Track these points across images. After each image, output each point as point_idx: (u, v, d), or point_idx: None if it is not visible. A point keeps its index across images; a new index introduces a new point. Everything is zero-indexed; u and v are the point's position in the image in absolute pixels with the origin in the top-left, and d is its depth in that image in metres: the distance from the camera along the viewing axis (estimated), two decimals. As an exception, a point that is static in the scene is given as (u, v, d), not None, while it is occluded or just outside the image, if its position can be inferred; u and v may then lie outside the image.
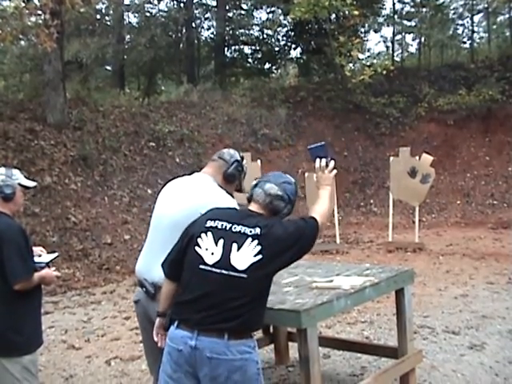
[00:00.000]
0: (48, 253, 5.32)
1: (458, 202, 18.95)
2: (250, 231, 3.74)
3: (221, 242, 3.76)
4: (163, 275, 4.12)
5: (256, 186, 3.99)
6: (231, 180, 4.73)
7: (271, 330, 7.07)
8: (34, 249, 5.16)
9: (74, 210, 14.46)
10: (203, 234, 3.83)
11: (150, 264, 4.56)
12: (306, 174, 14.86)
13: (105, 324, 9.38)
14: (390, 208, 14.58)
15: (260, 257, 3.66)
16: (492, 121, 21.13)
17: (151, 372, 4.91)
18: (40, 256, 5.12)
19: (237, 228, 3.78)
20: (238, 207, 4.39)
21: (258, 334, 7.67)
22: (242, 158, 4.84)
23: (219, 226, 3.82)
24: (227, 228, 3.80)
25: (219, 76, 26.88)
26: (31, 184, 5.04)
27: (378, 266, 6.36)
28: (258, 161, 14.83)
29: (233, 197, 4.68)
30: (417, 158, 14.16)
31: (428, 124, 21.96)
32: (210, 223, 3.86)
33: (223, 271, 3.69)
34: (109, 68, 26.88)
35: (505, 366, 6.64)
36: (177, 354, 3.76)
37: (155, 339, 4.16)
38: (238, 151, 4.92)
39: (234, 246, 3.72)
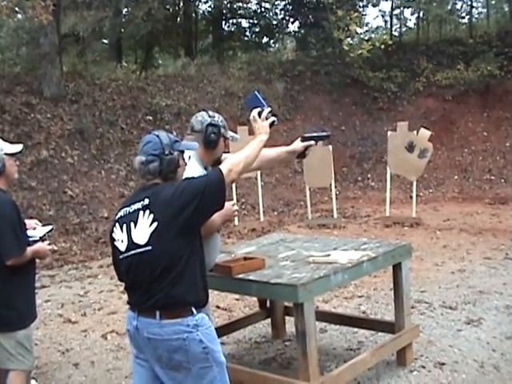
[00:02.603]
0: (43, 225, 5.29)
1: (456, 177, 18.91)
2: (141, 204, 3.76)
3: (124, 227, 3.82)
4: None
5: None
6: (213, 146, 4.69)
7: (268, 304, 7.07)
8: (29, 221, 5.14)
9: (70, 184, 14.44)
10: (114, 228, 3.92)
11: None
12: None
13: (101, 298, 9.38)
14: (387, 183, 14.54)
15: (156, 224, 3.66)
16: (490, 96, 21.05)
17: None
18: (35, 229, 5.10)
19: (132, 207, 3.82)
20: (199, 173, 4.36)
21: (255, 308, 7.69)
22: (213, 115, 4.77)
23: (122, 214, 3.88)
24: (127, 212, 3.85)
25: (217, 50, 26.81)
26: (17, 149, 4.97)
27: (375, 241, 6.36)
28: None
29: (218, 163, 4.66)
30: (415, 132, 14.09)
31: (426, 99, 21.86)
32: (118, 214, 3.93)
33: (132, 252, 3.75)
34: (106, 41, 26.70)
35: (501, 341, 6.64)
36: (128, 335, 3.97)
37: None
38: (206, 111, 4.84)
39: (132, 224, 3.76)
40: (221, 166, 3.89)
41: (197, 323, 3.71)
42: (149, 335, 3.70)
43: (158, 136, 3.90)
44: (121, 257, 3.83)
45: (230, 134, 4.81)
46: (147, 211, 3.70)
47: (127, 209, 3.84)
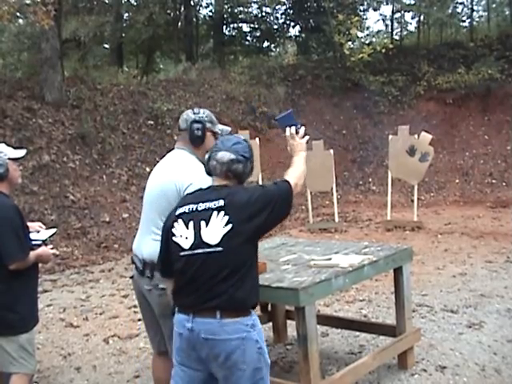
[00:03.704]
0: (47, 228, 5.30)
1: (457, 181, 18.90)
2: (214, 204, 3.74)
3: (191, 224, 3.79)
4: (150, 251, 4.37)
5: (209, 159, 3.93)
6: (199, 143, 4.66)
7: (269, 308, 7.07)
8: (33, 224, 5.15)
9: (72, 189, 14.45)
10: (175, 223, 3.87)
11: (140, 240, 4.67)
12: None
13: (103, 302, 9.38)
14: (388, 186, 14.55)
15: (230, 226, 3.66)
16: (491, 100, 21.03)
17: (152, 345, 4.94)
18: (38, 232, 5.11)
19: (202, 206, 3.79)
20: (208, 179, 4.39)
21: (256, 311, 7.69)
22: (198, 111, 4.75)
23: (187, 210, 3.84)
24: (194, 209, 3.82)
25: (218, 54, 26.82)
26: (20, 154, 4.96)
27: (376, 244, 6.35)
28: (257, 139, 14.80)
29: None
30: (416, 136, 14.11)
31: (427, 103, 21.86)
32: (179, 210, 3.90)
33: (199, 250, 3.71)
34: (107, 46, 26.76)
35: (503, 344, 6.64)
36: (179, 339, 3.84)
37: None
38: (192, 108, 4.85)
39: (203, 223, 3.74)
40: (288, 179, 3.97)
41: (253, 323, 3.75)
42: (207, 335, 3.66)
43: (245, 140, 3.98)
44: (181, 254, 3.78)
45: (219, 127, 4.81)
46: (222, 212, 3.70)
47: (193, 206, 3.82)
